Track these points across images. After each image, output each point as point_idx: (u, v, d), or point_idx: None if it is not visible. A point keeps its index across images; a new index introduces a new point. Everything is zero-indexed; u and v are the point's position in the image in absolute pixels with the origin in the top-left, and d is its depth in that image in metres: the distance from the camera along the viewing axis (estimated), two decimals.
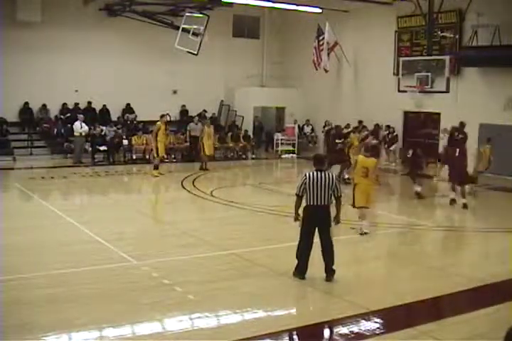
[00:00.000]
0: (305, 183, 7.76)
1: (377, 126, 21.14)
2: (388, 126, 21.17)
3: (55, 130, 21.23)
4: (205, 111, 24.21)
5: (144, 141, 20.45)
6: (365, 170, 10.57)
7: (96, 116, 22.25)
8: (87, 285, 7.63)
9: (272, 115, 26.43)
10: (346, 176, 16.18)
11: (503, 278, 8.31)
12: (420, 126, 20.97)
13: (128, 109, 23.20)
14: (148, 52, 22.86)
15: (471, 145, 18.30)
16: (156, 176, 17.20)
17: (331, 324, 6.58)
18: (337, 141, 16.75)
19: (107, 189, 16.04)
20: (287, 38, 26.18)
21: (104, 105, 22.53)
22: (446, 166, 14.72)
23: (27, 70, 20.82)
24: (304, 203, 7.93)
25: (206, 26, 21.30)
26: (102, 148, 20.24)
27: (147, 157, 20.04)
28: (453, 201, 13.60)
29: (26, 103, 21.37)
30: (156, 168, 17.39)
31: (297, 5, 21.50)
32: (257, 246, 9.78)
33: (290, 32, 25.92)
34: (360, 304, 7.11)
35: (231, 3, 21.19)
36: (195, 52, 21.55)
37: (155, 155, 17.44)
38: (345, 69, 23.29)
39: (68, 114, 21.77)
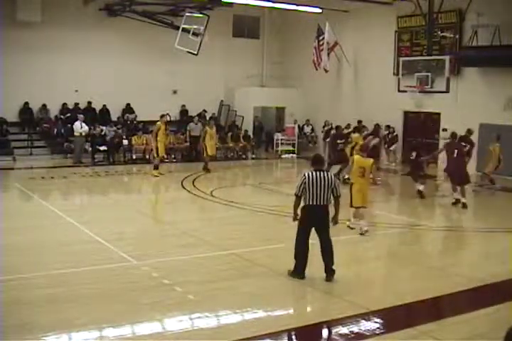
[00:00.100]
0: (305, 183, 7.76)
1: (377, 126, 21.18)
2: (388, 126, 21.18)
3: (55, 130, 21.24)
4: (205, 111, 24.22)
5: (144, 141, 20.45)
6: (362, 170, 10.66)
7: (96, 116, 22.26)
8: (87, 285, 7.63)
9: (272, 115, 26.44)
10: (346, 176, 16.19)
11: (503, 278, 8.30)
12: (420, 126, 20.99)
13: (128, 109, 23.20)
14: (148, 52, 22.86)
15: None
16: (156, 176, 17.20)
17: (331, 324, 6.57)
18: (338, 141, 16.75)
19: (107, 189, 16.04)
20: (287, 38, 26.18)
21: (104, 105, 22.54)
22: (445, 166, 14.72)
23: (27, 70, 20.83)
24: (302, 203, 7.93)
25: (206, 26, 21.30)
26: (102, 148, 20.25)
27: (147, 157, 20.04)
28: (457, 201, 13.58)
29: (26, 103, 21.38)
30: (156, 168, 17.38)
31: (297, 5, 21.50)
32: (257, 246, 9.78)
33: (290, 32, 25.92)
34: (360, 304, 7.11)
35: (231, 3, 21.19)
36: (195, 52, 21.55)
37: (155, 155, 17.44)
38: (345, 69, 23.30)
39: (68, 114, 21.78)
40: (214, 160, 18.87)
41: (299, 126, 24.65)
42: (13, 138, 20.47)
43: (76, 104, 22.18)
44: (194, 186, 15.78)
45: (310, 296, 7.81)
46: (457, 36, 19.26)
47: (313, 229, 7.94)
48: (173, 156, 21.29)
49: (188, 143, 21.47)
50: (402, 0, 19.87)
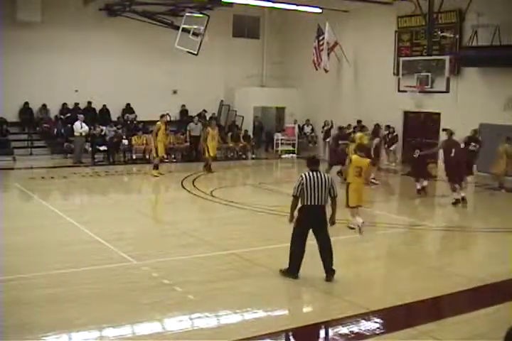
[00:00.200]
0: (302, 184, 7.77)
1: (377, 126, 21.18)
2: (388, 126, 21.17)
3: (55, 130, 21.24)
4: (204, 111, 24.22)
5: (144, 141, 20.45)
6: (358, 170, 10.73)
7: (96, 116, 22.26)
8: (87, 285, 7.63)
9: (272, 115, 26.43)
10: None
11: (503, 278, 8.30)
12: (420, 126, 20.99)
13: (128, 109, 23.20)
14: (148, 52, 22.86)
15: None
16: (156, 176, 17.20)
17: (331, 324, 6.57)
18: (340, 142, 16.73)
19: (107, 189, 16.04)
20: (287, 38, 26.18)
21: (104, 105, 22.54)
22: (444, 166, 14.74)
23: (27, 70, 20.83)
24: (299, 204, 7.92)
25: (206, 26, 21.30)
26: (102, 148, 20.25)
27: (147, 157, 20.04)
28: (457, 201, 13.59)
29: (26, 103, 21.38)
30: (155, 167, 17.39)
31: (297, 5, 21.50)
32: (257, 246, 9.78)
33: (290, 32, 25.92)
34: (360, 304, 7.11)
35: (231, 3, 21.19)
36: (195, 52, 21.56)
37: (154, 155, 17.44)
38: (345, 69, 23.29)
39: (68, 114, 21.78)
40: (214, 160, 18.86)
41: (299, 126, 24.65)
42: (13, 138, 20.48)
43: (76, 104, 22.18)
44: (194, 186, 15.79)
45: (310, 296, 7.81)
46: (457, 36, 19.26)
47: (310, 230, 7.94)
48: (173, 156, 21.29)
49: (188, 143, 21.48)
50: (402, 0, 19.87)
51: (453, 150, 13.76)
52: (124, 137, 20.87)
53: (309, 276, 8.02)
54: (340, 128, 17.56)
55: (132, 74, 22.55)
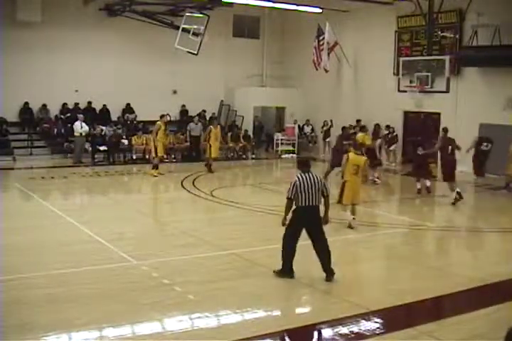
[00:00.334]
0: (296, 186, 7.80)
1: (377, 126, 21.18)
2: (388, 126, 21.17)
3: (55, 130, 21.26)
4: (204, 111, 24.22)
5: (144, 141, 20.45)
6: (356, 168, 10.84)
7: (96, 116, 22.26)
8: (87, 285, 7.63)
9: (272, 115, 26.44)
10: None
11: (503, 278, 8.31)
12: (420, 126, 20.98)
13: (128, 109, 23.21)
14: (148, 52, 22.87)
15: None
16: (155, 176, 17.19)
17: (331, 324, 6.57)
18: (344, 142, 16.73)
19: (107, 189, 16.04)
20: (287, 38, 26.19)
21: (104, 105, 22.55)
22: (440, 164, 14.77)
23: (27, 70, 20.84)
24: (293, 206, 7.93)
25: (206, 26, 21.32)
26: (102, 148, 20.25)
27: (147, 157, 20.03)
28: (456, 200, 13.61)
29: (26, 103, 21.39)
30: (155, 167, 17.38)
31: (297, 5, 21.50)
32: (257, 246, 9.78)
33: (290, 32, 25.92)
34: (360, 304, 7.11)
35: (231, 3, 21.20)
36: (195, 52, 21.57)
37: (154, 155, 17.44)
38: (345, 69, 23.29)
39: (68, 114, 21.79)
40: (214, 160, 18.86)
41: (299, 126, 24.65)
42: (13, 138, 20.48)
43: (76, 104, 22.19)
44: (194, 186, 15.78)
45: (310, 296, 7.80)
46: (457, 36, 19.26)
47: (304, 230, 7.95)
48: (173, 156, 21.29)
49: (188, 143, 21.48)
50: (402, 0, 19.87)
51: (449, 148, 13.85)
52: (123, 137, 20.88)
53: (309, 276, 8.02)
54: (344, 128, 17.54)
55: (132, 74, 22.56)
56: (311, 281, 7.95)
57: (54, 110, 22.01)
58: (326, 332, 6.50)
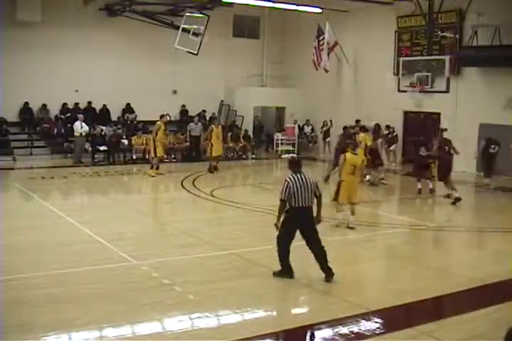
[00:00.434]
0: (289, 187, 7.77)
1: (377, 126, 21.16)
2: (388, 126, 21.16)
3: (55, 130, 21.26)
4: (204, 111, 24.22)
5: (144, 141, 20.44)
6: (353, 168, 10.92)
7: (96, 116, 22.26)
8: (87, 285, 7.63)
9: (272, 115, 26.44)
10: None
11: (503, 278, 8.30)
12: (420, 126, 20.98)
13: (128, 109, 23.21)
14: (148, 52, 22.87)
15: (472, 145, 18.40)
16: (153, 176, 17.15)
17: (331, 324, 6.57)
18: (347, 141, 16.72)
19: (107, 189, 16.04)
20: (287, 38, 26.19)
21: (104, 105, 22.55)
22: (438, 164, 14.79)
23: (27, 70, 20.84)
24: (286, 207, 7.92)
25: (206, 26, 21.32)
26: (102, 148, 20.25)
27: (147, 157, 20.02)
28: (457, 200, 13.62)
29: (26, 103, 21.39)
30: (153, 167, 17.35)
31: (297, 5, 21.50)
32: (257, 246, 9.78)
33: (290, 32, 25.92)
34: (360, 304, 7.11)
35: (231, 3, 21.20)
36: (195, 52, 21.57)
37: (152, 155, 17.43)
38: (345, 69, 23.29)
39: (68, 114, 21.79)
40: (219, 159, 18.76)
41: (299, 126, 24.65)
42: (13, 138, 20.48)
43: (76, 104, 22.19)
44: (194, 186, 15.78)
45: (310, 296, 7.80)
46: (457, 36, 19.26)
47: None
48: (173, 156, 21.29)
49: (188, 143, 21.48)
50: (402, 0, 19.86)
51: (446, 148, 13.93)
52: (123, 137, 20.88)
53: (309, 276, 8.02)
54: (345, 128, 17.54)
55: (132, 74, 22.56)
56: (310, 281, 7.95)
57: (54, 110, 22.01)
58: (326, 332, 6.49)
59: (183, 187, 15.75)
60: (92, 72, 21.91)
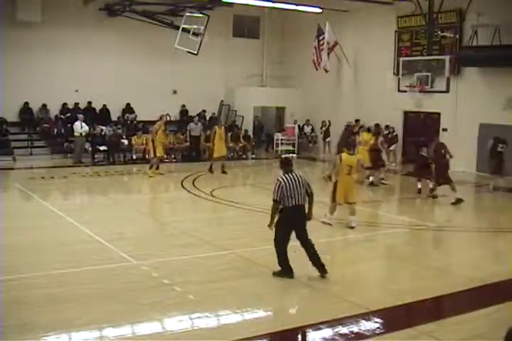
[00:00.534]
0: (281, 187, 7.79)
1: (377, 126, 21.14)
2: (388, 126, 21.16)
3: (55, 130, 21.26)
4: (204, 111, 24.22)
5: (144, 141, 20.42)
6: (348, 168, 10.96)
7: (96, 116, 22.26)
8: (87, 285, 7.63)
9: (272, 115, 26.44)
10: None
11: (503, 278, 8.30)
12: (420, 126, 20.98)
13: (128, 108, 23.21)
14: (148, 52, 22.87)
15: (472, 145, 18.42)
16: (151, 176, 17.12)
17: (331, 324, 6.57)
18: (349, 138, 16.74)
19: (107, 189, 16.04)
20: (287, 38, 26.18)
21: (104, 105, 22.55)
22: (435, 166, 14.79)
23: (27, 70, 20.84)
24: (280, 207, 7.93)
25: (206, 26, 21.32)
26: (102, 148, 20.25)
27: (147, 157, 20.01)
28: (459, 200, 13.62)
29: (26, 103, 21.39)
30: (155, 168, 17.35)
31: (297, 5, 21.50)
32: (257, 246, 9.77)
33: (290, 32, 25.92)
34: (360, 304, 7.11)
35: (231, 3, 21.20)
36: (195, 52, 21.57)
37: (152, 155, 17.42)
38: (345, 69, 23.29)
39: (68, 114, 21.79)
40: (223, 159, 18.73)
41: (299, 126, 24.65)
42: (13, 138, 20.48)
43: (76, 104, 22.19)
44: (194, 186, 15.78)
45: (310, 296, 7.79)
46: (457, 36, 19.26)
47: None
48: (173, 156, 21.29)
49: (188, 143, 21.49)
50: (402, 0, 19.86)
51: (442, 152, 13.98)
52: (123, 137, 20.88)
53: (309, 276, 8.02)
54: (348, 126, 17.53)
55: (132, 74, 22.56)
56: (310, 281, 7.95)
57: (54, 110, 22.00)
58: (326, 332, 6.49)
59: (183, 187, 15.75)
60: (92, 72, 21.91)
